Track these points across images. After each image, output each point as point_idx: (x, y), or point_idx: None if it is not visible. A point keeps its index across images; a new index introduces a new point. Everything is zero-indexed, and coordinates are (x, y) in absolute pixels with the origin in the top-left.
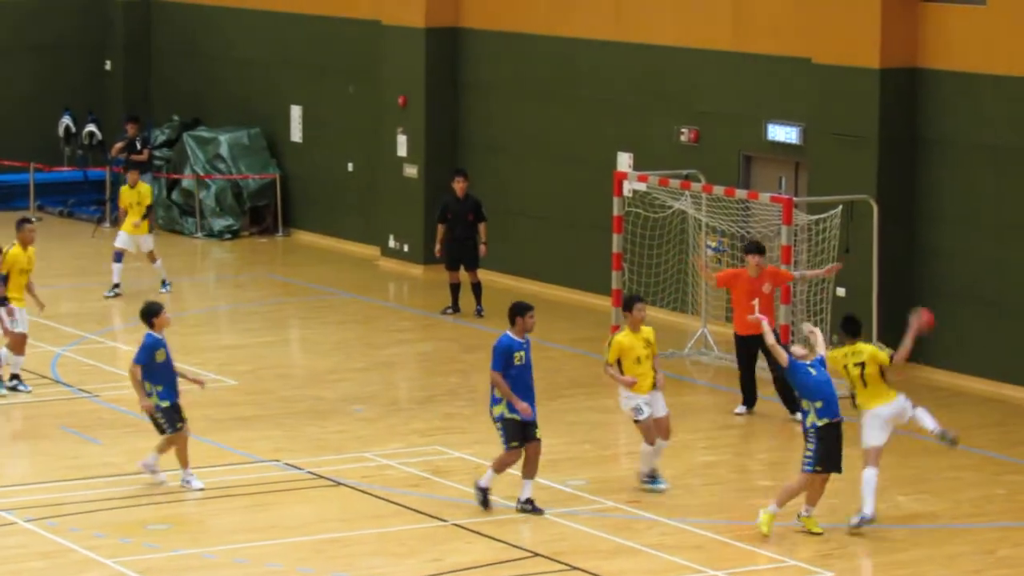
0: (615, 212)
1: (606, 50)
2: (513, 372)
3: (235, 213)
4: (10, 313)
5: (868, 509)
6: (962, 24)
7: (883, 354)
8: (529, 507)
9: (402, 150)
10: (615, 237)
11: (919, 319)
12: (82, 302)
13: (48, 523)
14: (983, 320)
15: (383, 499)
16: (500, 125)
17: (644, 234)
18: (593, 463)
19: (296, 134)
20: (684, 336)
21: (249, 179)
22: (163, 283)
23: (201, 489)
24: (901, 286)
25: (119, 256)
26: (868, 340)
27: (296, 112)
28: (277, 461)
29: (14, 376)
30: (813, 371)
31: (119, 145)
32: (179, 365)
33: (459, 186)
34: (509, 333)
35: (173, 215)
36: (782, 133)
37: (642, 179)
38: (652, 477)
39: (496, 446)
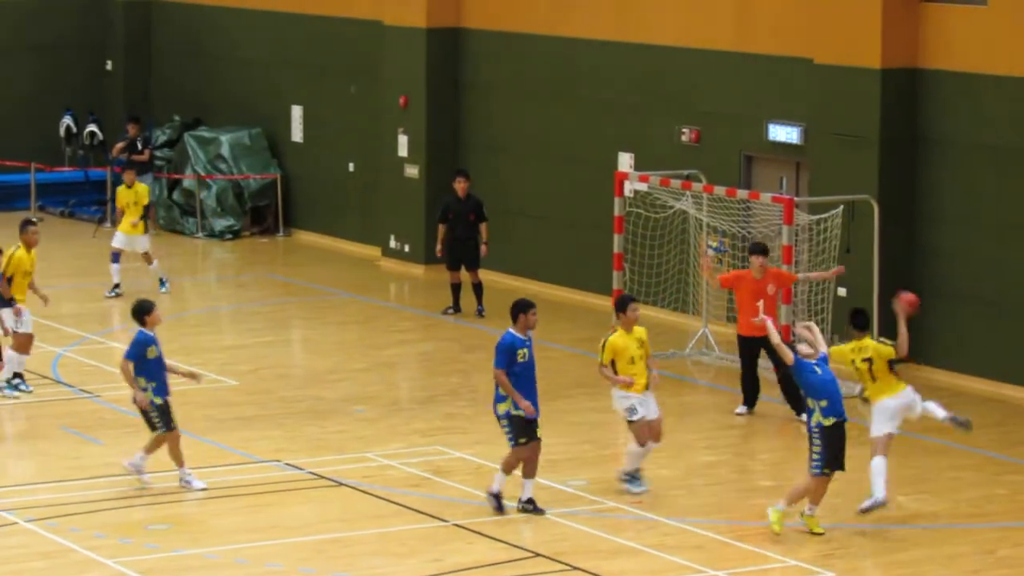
0: (616, 212)
1: (607, 50)
2: (517, 369)
3: (236, 213)
4: (18, 313)
5: (880, 492)
6: (963, 24)
7: (887, 348)
8: (530, 507)
9: (403, 150)
10: (616, 237)
11: (902, 303)
12: (83, 302)
13: (49, 523)
14: (983, 320)
15: (384, 499)
16: (501, 125)
17: (645, 234)
18: (594, 463)
19: (297, 134)
20: (685, 336)
21: (250, 179)
22: (161, 282)
23: (204, 489)
24: (902, 286)
25: (116, 257)
26: (870, 337)
27: (297, 112)
28: (278, 461)
29: (17, 375)
30: (818, 370)
31: (120, 145)
32: (170, 362)
33: (460, 186)
34: (512, 331)
35: (174, 215)
36: (783, 133)
37: (643, 179)
38: (632, 477)
39: (497, 446)
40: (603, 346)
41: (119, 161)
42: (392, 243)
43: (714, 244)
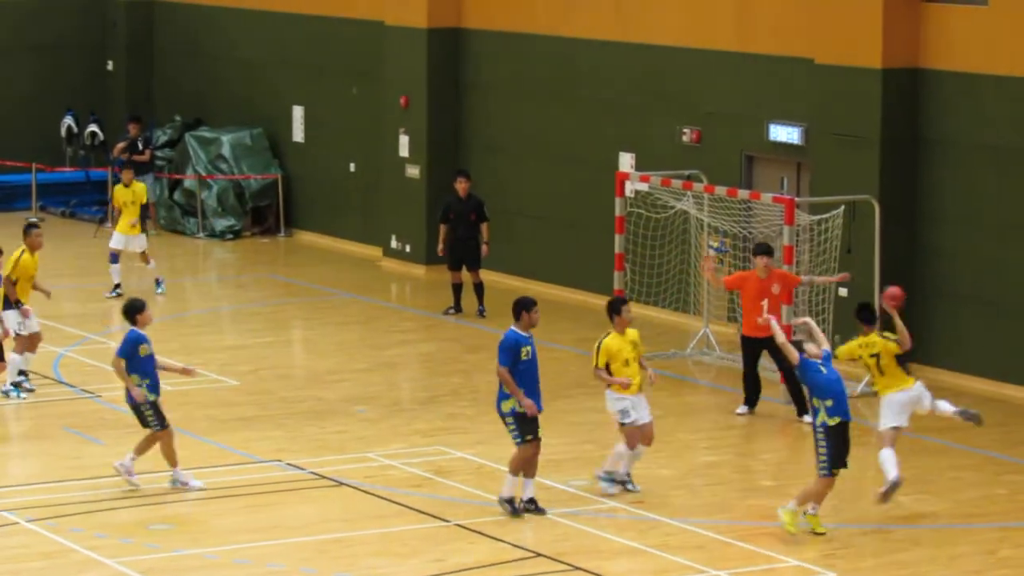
0: (617, 212)
1: (608, 50)
2: (521, 367)
3: (237, 213)
4: (26, 315)
5: (893, 474)
6: (964, 24)
7: (892, 344)
8: (531, 507)
9: (404, 150)
10: (617, 237)
11: (886, 300)
12: (84, 303)
13: (49, 523)
14: (984, 320)
15: (385, 499)
16: (502, 125)
17: (646, 234)
18: (595, 463)
19: (298, 134)
20: (686, 336)
21: (251, 179)
22: (157, 283)
23: (202, 488)
24: (903, 286)
25: (115, 257)
26: (877, 332)
27: (298, 112)
28: (279, 461)
29: (21, 372)
30: (823, 369)
31: (121, 145)
32: (162, 359)
33: (461, 186)
34: (515, 328)
35: (175, 215)
36: (784, 133)
37: (644, 179)
38: (611, 477)
39: (499, 446)
40: (598, 349)
41: (120, 161)
42: (393, 243)
43: (715, 244)
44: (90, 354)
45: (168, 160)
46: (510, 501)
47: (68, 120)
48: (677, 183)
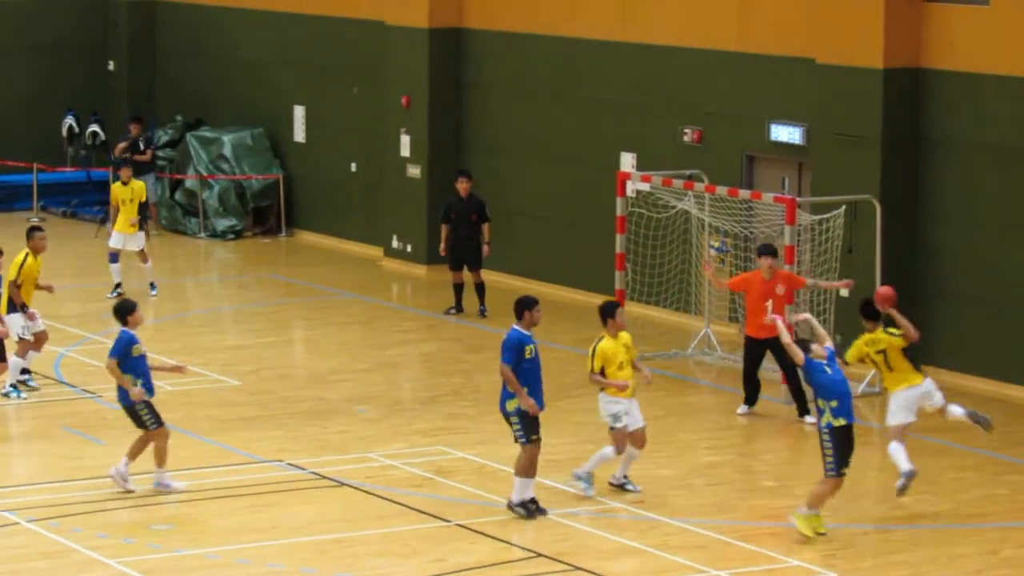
0: (619, 212)
1: (609, 50)
2: (525, 366)
3: (238, 213)
4: (32, 318)
5: (907, 465)
6: (965, 24)
7: (897, 339)
8: (532, 507)
9: (405, 150)
10: (618, 237)
11: (879, 301)
12: (85, 303)
13: (51, 523)
14: (985, 320)
15: (386, 499)
16: (504, 125)
17: (647, 234)
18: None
19: (299, 134)
20: (687, 336)
21: (252, 179)
22: (151, 285)
23: (184, 491)
24: (904, 286)
25: (114, 257)
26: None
27: (299, 112)
28: (280, 461)
29: (25, 371)
30: (828, 370)
31: (122, 145)
32: (152, 357)
33: (463, 186)
34: (518, 328)
35: (176, 215)
36: (785, 133)
37: (645, 179)
38: (589, 478)
39: (500, 446)
40: (593, 353)
41: (121, 161)
42: (394, 243)
43: (716, 244)
44: (91, 354)
45: (169, 160)
46: (522, 504)
47: (69, 120)
48: (678, 183)
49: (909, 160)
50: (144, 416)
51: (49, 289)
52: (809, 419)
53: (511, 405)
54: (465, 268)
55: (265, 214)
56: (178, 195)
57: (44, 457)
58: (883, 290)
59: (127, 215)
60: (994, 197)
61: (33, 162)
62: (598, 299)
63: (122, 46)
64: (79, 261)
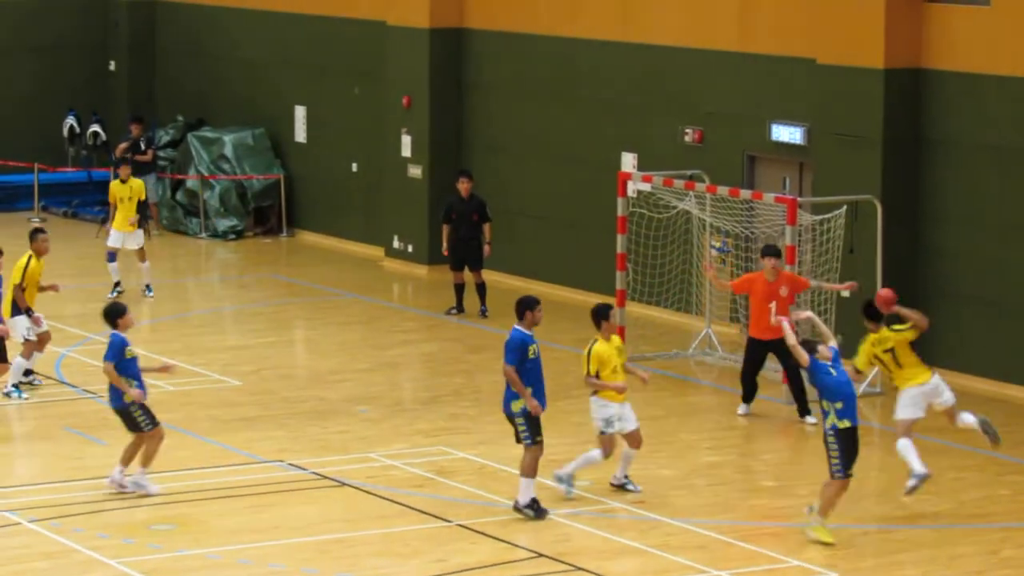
0: (619, 212)
1: (610, 50)
2: (528, 366)
3: (239, 213)
4: (37, 322)
5: (921, 468)
6: (966, 24)
7: (906, 333)
8: (540, 507)
9: (406, 150)
10: (619, 237)
11: (881, 304)
12: (86, 303)
13: (52, 523)
14: (986, 320)
15: (387, 499)
16: (504, 125)
17: (648, 234)
18: (598, 464)
19: (300, 134)
20: (688, 336)
21: (253, 179)
22: (147, 287)
23: (157, 494)
24: (905, 286)
25: (112, 256)
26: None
27: (300, 112)
28: (281, 461)
29: (28, 372)
30: (833, 371)
31: (123, 145)
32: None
33: (463, 187)
34: (520, 328)
35: (177, 216)
36: (786, 133)
37: (646, 179)
38: (570, 480)
39: (501, 446)
40: (588, 356)
41: (121, 160)
42: (395, 243)
43: (717, 244)
44: (92, 354)
45: (170, 160)
46: (529, 505)
47: (70, 120)
48: (679, 183)
49: (910, 160)
50: (139, 418)
51: (54, 289)
52: (810, 419)
53: (517, 406)
54: (466, 268)
55: (266, 214)
56: (179, 195)
57: (45, 457)
58: (883, 292)
59: (125, 213)
60: (995, 197)
61: (34, 162)
62: (599, 299)
63: (123, 46)
64: (80, 261)
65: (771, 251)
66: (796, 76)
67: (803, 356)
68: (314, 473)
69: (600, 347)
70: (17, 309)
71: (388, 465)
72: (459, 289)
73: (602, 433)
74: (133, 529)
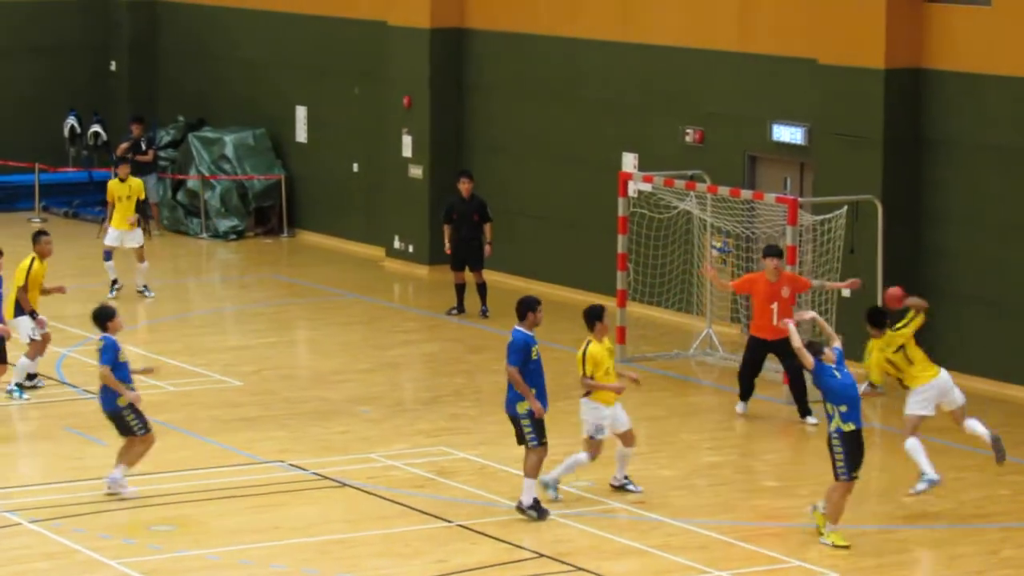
0: (620, 213)
1: (611, 51)
2: (530, 366)
3: (240, 214)
4: (42, 325)
5: (932, 473)
6: (967, 25)
7: (913, 323)
8: (542, 508)
9: (407, 151)
10: (620, 238)
11: (891, 301)
12: (87, 303)
13: (53, 524)
14: (987, 320)
15: (388, 500)
16: (505, 126)
17: (649, 235)
18: (598, 464)
19: (301, 135)
20: (689, 337)
21: (254, 180)
22: (145, 288)
23: (134, 497)
24: (906, 286)
25: (108, 255)
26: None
27: (301, 113)
28: (282, 462)
29: (31, 375)
30: (838, 374)
31: (124, 146)
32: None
33: (464, 187)
34: (521, 328)
35: (178, 216)
36: (787, 134)
37: (647, 180)
38: (555, 484)
39: (502, 446)
40: (584, 357)
41: (120, 159)
42: (396, 243)
43: (718, 244)
44: (93, 354)
45: (171, 160)
46: (532, 506)
47: (71, 120)
48: (680, 183)
49: (910, 160)
50: (132, 422)
51: (61, 291)
52: (811, 420)
53: (522, 407)
54: (467, 268)
55: (267, 214)
56: (180, 195)
57: (46, 458)
58: (893, 290)
59: (124, 213)
60: (995, 197)
61: (35, 162)
62: (599, 300)
63: (124, 46)
64: (81, 261)
65: (773, 251)
66: (797, 76)
67: (808, 358)
68: (315, 474)
69: (594, 348)
70: (20, 310)
71: (389, 465)
72: (460, 289)
73: (591, 438)
74: (134, 530)
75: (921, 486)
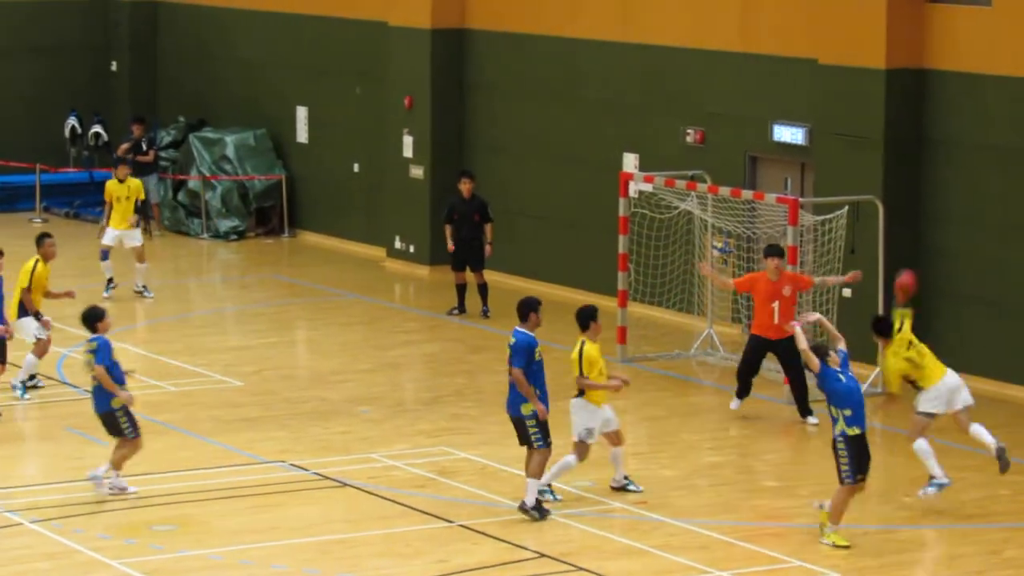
0: (621, 213)
1: (612, 51)
2: (534, 368)
3: (241, 214)
4: (47, 325)
5: (943, 477)
6: (967, 25)
7: (907, 321)
8: (544, 508)
9: (408, 151)
10: (621, 238)
11: (906, 288)
12: (87, 303)
13: (53, 524)
14: (988, 320)
15: (389, 500)
16: (506, 126)
17: (650, 235)
18: (599, 464)
19: (302, 135)
20: (690, 337)
21: (255, 180)
22: (144, 288)
23: (104, 497)
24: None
25: (105, 254)
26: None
27: (302, 113)
28: (283, 462)
29: (32, 376)
30: (843, 378)
31: (125, 146)
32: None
33: (465, 187)
34: (523, 329)
35: (179, 216)
36: (788, 134)
37: (648, 180)
38: (549, 489)
39: (503, 447)
40: (581, 357)
41: (119, 160)
42: (397, 244)
43: (719, 245)
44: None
45: (172, 161)
46: (535, 507)
47: (72, 121)
48: (681, 183)
49: (911, 161)
50: (123, 424)
51: (70, 296)
52: (812, 420)
53: (527, 409)
54: (468, 269)
55: (268, 215)
56: (181, 196)
57: (47, 458)
58: (905, 279)
59: (122, 213)
60: (996, 197)
61: (36, 163)
62: (599, 300)
63: (124, 47)
64: (81, 262)
65: (774, 251)
66: (798, 76)
67: (814, 361)
68: (316, 474)
69: (590, 348)
70: (24, 311)
71: (390, 466)
72: (461, 289)
73: (582, 442)
74: (135, 530)
75: (931, 489)
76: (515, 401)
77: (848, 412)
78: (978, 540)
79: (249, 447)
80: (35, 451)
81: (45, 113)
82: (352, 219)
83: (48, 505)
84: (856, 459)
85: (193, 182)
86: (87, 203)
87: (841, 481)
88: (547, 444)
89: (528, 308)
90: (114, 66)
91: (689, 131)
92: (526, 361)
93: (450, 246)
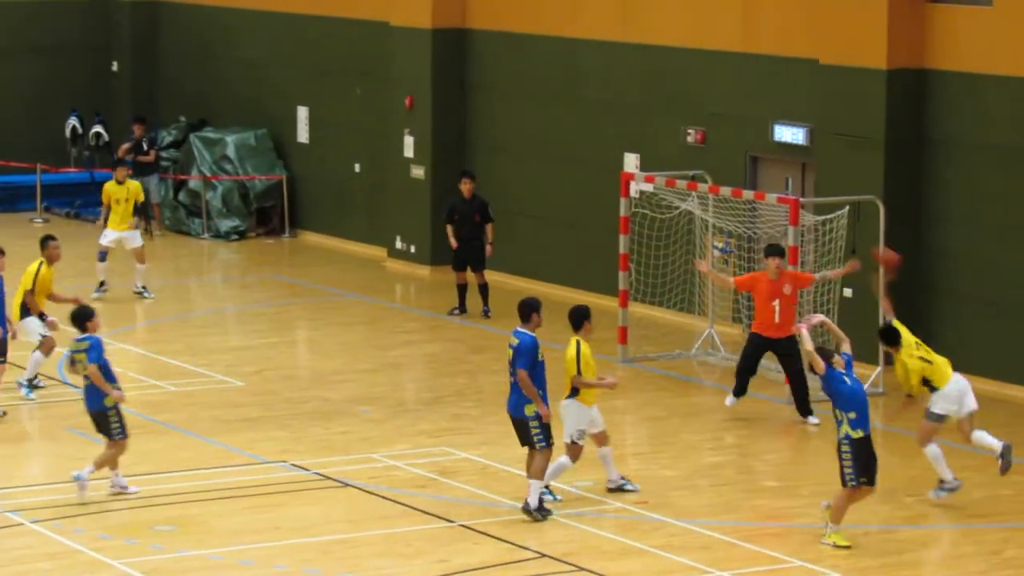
0: (622, 213)
1: (612, 51)
2: (537, 369)
3: (242, 214)
4: (53, 326)
5: (953, 481)
6: (968, 25)
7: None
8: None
9: (409, 151)
10: (622, 238)
11: (886, 263)
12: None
13: (54, 524)
14: (988, 320)
15: (390, 500)
16: (507, 126)
17: (651, 235)
18: (599, 464)
19: (303, 135)
20: (691, 337)
21: (256, 180)
22: (144, 288)
23: (85, 500)
24: (907, 286)
25: (103, 255)
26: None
27: (303, 113)
28: (284, 462)
29: (35, 375)
30: (847, 380)
31: (126, 146)
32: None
33: (466, 187)
34: (525, 330)
35: (180, 216)
36: (789, 134)
37: (649, 180)
38: (549, 490)
39: (503, 447)
40: (579, 357)
41: (118, 160)
42: (398, 244)
43: (720, 245)
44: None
45: (173, 161)
46: (538, 507)
47: (72, 121)
48: (682, 183)
49: (912, 161)
50: (113, 424)
51: (76, 302)
52: (812, 420)
53: (531, 410)
54: (468, 269)
55: (268, 215)
56: (182, 196)
57: (48, 458)
58: (887, 254)
59: (121, 215)
60: (997, 197)
61: (36, 163)
62: (600, 300)
63: (125, 47)
64: (82, 262)
65: (775, 251)
66: (798, 76)
67: (819, 363)
68: (317, 474)
69: (585, 348)
70: (27, 312)
71: (391, 466)
72: (461, 290)
73: (574, 443)
74: (135, 530)
75: (942, 494)
76: (518, 402)
77: (853, 415)
78: (979, 540)
79: (250, 447)
80: (36, 451)
81: (46, 113)
82: (353, 219)
83: (49, 505)
84: (860, 462)
85: (194, 182)
86: (88, 203)
87: (844, 484)
88: (549, 445)
89: (530, 308)
90: (115, 66)
91: (690, 131)
92: (531, 362)
93: (453, 243)
